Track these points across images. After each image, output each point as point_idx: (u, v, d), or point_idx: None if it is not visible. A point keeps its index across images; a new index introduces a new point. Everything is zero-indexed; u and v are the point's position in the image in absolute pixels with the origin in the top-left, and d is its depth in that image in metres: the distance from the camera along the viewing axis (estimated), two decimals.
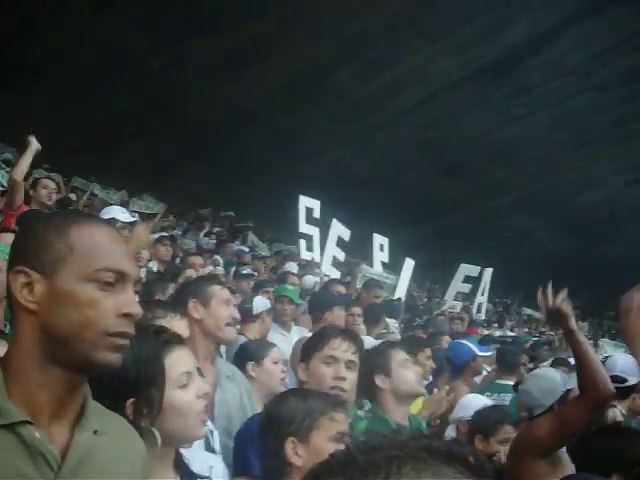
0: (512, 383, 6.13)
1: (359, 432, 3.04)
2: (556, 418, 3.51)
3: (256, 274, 9.25)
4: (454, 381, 6.24)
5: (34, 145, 6.07)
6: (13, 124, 12.71)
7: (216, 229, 16.36)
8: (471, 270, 14.27)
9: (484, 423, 4.35)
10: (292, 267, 11.55)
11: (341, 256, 11.16)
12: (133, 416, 1.96)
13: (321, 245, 11.10)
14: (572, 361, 8.64)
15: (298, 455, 2.54)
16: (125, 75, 16.10)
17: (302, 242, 11.02)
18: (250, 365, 4.10)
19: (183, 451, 2.38)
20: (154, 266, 7.14)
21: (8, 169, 9.77)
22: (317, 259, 10.85)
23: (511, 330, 15.40)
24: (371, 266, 12.18)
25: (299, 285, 8.54)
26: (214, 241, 13.59)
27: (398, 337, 7.44)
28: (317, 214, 11.05)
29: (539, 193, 23.31)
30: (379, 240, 12.61)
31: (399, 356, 3.91)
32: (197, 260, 7.66)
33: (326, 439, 2.55)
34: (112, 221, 6.12)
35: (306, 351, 3.39)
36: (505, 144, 20.93)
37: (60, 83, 15.81)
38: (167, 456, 2.25)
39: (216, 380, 3.61)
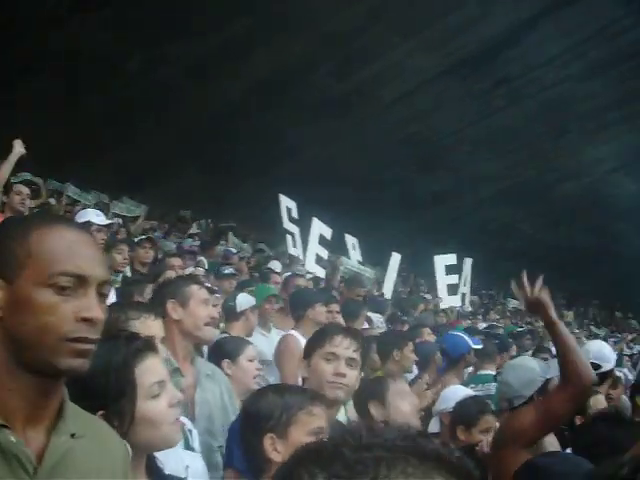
0: (494, 373, 6.17)
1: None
2: (539, 408, 3.50)
3: (238, 274, 9.21)
4: (446, 373, 6.25)
5: (17, 149, 5.96)
6: None
7: (198, 230, 16.33)
8: (447, 259, 14.18)
9: (465, 414, 4.36)
10: (275, 266, 11.53)
11: (324, 254, 11.14)
12: None
13: (303, 244, 11.09)
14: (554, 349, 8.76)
15: (277, 451, 2.53)
16: (103, 78, 16.04)
17: (289, 238, 11.01)
18: (226, 362, 4.09)
19: (157, 453, 2.36)
20: (128, 271, 7.09)
21: None
22: (301, 257, 10.84)
23: (497, 322, 15.44)
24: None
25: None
26: (197, 243, 13.53)
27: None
28: (295, 214, 11.03)
29: (521, 184, 23.41)
30: (351, 240, 12.62)
31: (396, 386, 3.92)
32: (176, 262, 7.61)
33: (305, 434, 2.54)
34: (87, 224, 6.09)
35: (308, 348, 3.41)
36: (486, 136, 21.02)
37: (40, 88, 15.73)
38: (139, 462, 2.22)
39: (196, 380, 3.60)
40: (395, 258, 13.09)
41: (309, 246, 10.67)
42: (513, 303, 21.84)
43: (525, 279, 3.65)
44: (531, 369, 3.98)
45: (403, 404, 3.88)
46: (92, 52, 15.32)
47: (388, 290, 12.55)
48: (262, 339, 5.87)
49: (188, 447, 3.06)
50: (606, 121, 21.51)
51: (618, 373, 5.87)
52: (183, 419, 3.08)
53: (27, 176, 13.52)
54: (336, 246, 12.52)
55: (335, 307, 6.61)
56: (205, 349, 4.73)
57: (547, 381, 3.89)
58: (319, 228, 10.79)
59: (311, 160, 20.20)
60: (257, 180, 19.45)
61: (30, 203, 7.26)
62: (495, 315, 16.40)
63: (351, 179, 21.15)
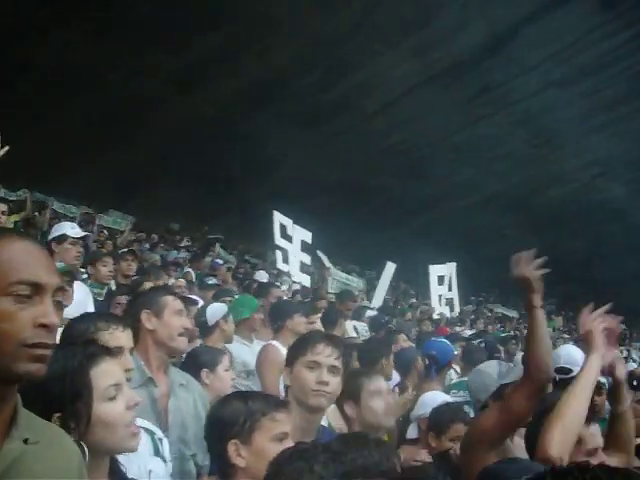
0: None
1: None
2: (500, 408, 3.50)
3: (221, 284, 9.24)
4: (433, 380, 6.24)
5: None
6: None
7: (189, 243, 16.34)
8: (441, 270, 14.31)
9: (437, 420, 4.37)
10: (262, 276, 11.54)
11: (307, 260, 11.18)
12: None
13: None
14: None
15: (241, 456, 2.56)
16: (84, 91, 16.05)
17: (278, 253, 11.01)
18: (204, 372, 4.10)
19: (119, 457, 2.38)
20: (113, 284, 7.09)
21: None
22: (292, 272, 10.84)
23: (484, 328, 15.46)
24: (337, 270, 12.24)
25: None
26: (183, 255, 13.54)
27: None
28: (290, 231, 11.05)
29: (506, 191, 23.50)
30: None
31: (371, 386, 3.92)
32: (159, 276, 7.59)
33: (268, 439, 2.57)
34: (62, 237, 6.06)
35: (290, 356, 3.39)
36: (470, 144, 21.09)
37: (24, 101, 15.73)
38: (100, 465, 2.23)
39: (169, 389, 3.61)
40: (389, 267, 13.11)
41: (294, 254, 10.70)
42: (500, 309, 21.94)
43: (527, 255, 3.45)
44: (488, 374, 4.00)
45: (377, 403, 3.89)
46: (76, 65, 15.33)
47: (379, 299, 12.59)
48: (245, 349, 5.82)
49: (158, 456, 3.07)
50: (590, 127, 21.61)
51: (602, 379, 5.85)
52: (153, 428, 3.11)
53: (20, 193, 13.55)
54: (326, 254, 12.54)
55: (315, 318, 6.62)
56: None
57: (503, 386, 3.91)
58: (300, 234, 10.82)
59: (295, 169, 20.24)
60: (242, 191, 19.48)
61: (9, 219, 7.18)
62: (482, 322, 16.40)
63: (336, 188, 21.20)
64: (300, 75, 17.59)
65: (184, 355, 4.38)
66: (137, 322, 3.60)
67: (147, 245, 14.58)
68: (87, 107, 16.54)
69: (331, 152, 20.21)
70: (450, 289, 14.60)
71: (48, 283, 1.59)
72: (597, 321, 3.29)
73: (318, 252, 12.43)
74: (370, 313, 10.32)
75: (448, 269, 14.61)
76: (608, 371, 3.46)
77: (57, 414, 1.98)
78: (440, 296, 14.13)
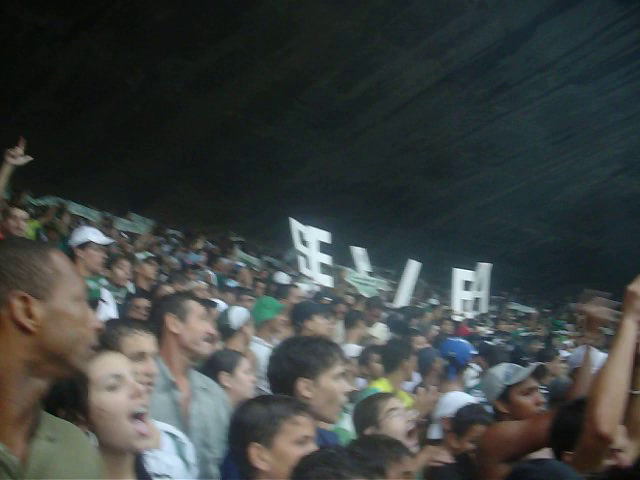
0: None
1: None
2: (525, 427, 3.46)
3: (242, 286, 9.29)
4: (452, 380, 6.23)
5: (10, 161, 5.86)
6: None
7: (204, 245, 16.38)
8: (466, 275, 14.21)
9: (458, 422, 4.37)
10: (282, 277, 11.55)
11: (326, 259, 11.18)
12: None
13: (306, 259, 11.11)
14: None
15: (263, 460, 2.58)
16: (104, 97, 16.16)
17: (301, 259, 11.02)
18: (224, 375, 4.12)
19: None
20: (131, 288, 7.16)
21: None
22: (315, 278, 10.83)
23: (505, 327, 15.39)
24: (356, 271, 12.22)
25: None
26: (201, 258, 13.59)
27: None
28: (307, 238, 11.06)
29: (526, 189, 23.39)
30: (357, 251, 12.60)
31: (387, 405, 3.89)
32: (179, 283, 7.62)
33: (290, 443, 2.59)
34: (86, 243, 6.11)
35: (312, 368, 3.25)
36: (488, 142, 21.02)
37: (42, 106, 15.86)
38: (120, 462, 2.31)
39: (191, 393, 3.63)
40: (413, 266, 13.04)
41: (311, 257, 10.70)
42: (520, 307, 21.84)
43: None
44: (495, 376, 4.01)
45: (396, 422, 3.86)
46: (93, 70, 15.44)
47: (403, 299, 12.55)
48: (266, 351, 5.80)
49: (182, 460, 3.09)
50: (609, 123, 21.46)
51: None
52: (177, 432, 3.13)
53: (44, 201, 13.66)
54: (343, 257, 12.57)
55: (333, 321, 6.65)
56: None
57: (508, 388, 3.90)
58: (316, 235, 10.82)
59: (314, 171, 20.26)
60: (262, 193, 19.52)
61: (32, 224, 7.25)
62: (502, 321, 16.33)
63: (355, 189, 21.20)
64: (317, 77, 17.59)
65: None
66: (161, 326, 3.66)
67: (166, 248, 14.66)
68: (107, 112, 16.66)
69: (349, 153, 20.22)
70: (480, 289, 14.53)
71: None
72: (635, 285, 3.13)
73: (352, 248, 12.40)
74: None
75: (482, 270, 14.52)
76: None
77: (62, 408, 2.02)
78: (465, 301, 14.04)
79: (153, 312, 3.99)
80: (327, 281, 11.12)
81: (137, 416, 2.34)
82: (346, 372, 3.38)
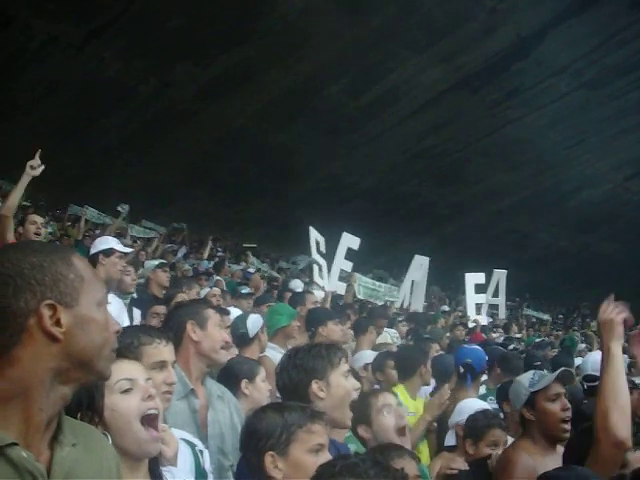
0: None
1: None
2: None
3: (255, 293, 9.30)
4: (469, 388, 6.20)
5: (28, 171, 5.91)
6: (10, 159, 12.87)
7: (219, 252, 16.45)
8: (477, 278, 14.14)
9: (473, 427, 4.36)
10: (297, 285, 11.52)
11: (348, 267, 11.16)
12: None
13: (328, 267, 11.10)
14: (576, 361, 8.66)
15: (278, 468, 2.57)
16: (117, 104, 16.24)
17: (316, 268, 11.00)
18: (244, 382, 4.12)
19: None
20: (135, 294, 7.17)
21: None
22: (327, 287, 10.80)
23: (518, 333, 15.34)
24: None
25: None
26: (211, 265, 13.64)
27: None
28: (323, 248, 11.03)
29: (539, 194, 23.34)
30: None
31: (378, 402, 3.90)
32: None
33: (305, 451, 2.58)
34: (109, 251, 6.16)
35: (321, 369, 3.30)
36: (501, 147, 20.98)
37: (54, 117, 15.95)
38: (140, 463, 2.36)
39: (207, 400, 3.64)
40: (418, 261, 12.96)
41: (335, 261, 10.68)
42: (533, 313, 21.75)
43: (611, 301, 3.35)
44: (521, 383, 4.00)
45: (388, 419, 3.88)
46: (106, 78, 15.52)
47: (419, 302, 12.51)
48: (279, 357, 5.82)
49: (199, 468, 3.10)
50: (622, 128, 21.41)
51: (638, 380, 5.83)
52: (194, 440, 3.14)
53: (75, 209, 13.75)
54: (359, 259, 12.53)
55: (346, 326, 6.66)
56: None
57: (535, 394, 3.89)
58: (347, 241, 10.79)
59: (326, 177, 20.28)
60: (273, 199, 19.55)
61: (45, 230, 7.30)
62: (515, 327, 16.27)
63: (367, 195, 21.21)
64: (329, 84, 17.62)
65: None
66: (180, 333, 3.68)
67: (180, 254, 14.72)
68: (120, 120, 16.74)
69: (361, 159, 20.23)
70: (497, 295, 14.47)
71: None
72: (617, 311, 3.27)
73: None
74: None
75: (498, 276, 14.46)
76: None
77: (78, 411, 2.04)
78: (480, 305, 13.98)
79: (169, 319, 4.00)
80: (342, 288, 11.10)
81: (149, 419, 2.36)
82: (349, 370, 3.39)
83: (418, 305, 12.66)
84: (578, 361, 8.86)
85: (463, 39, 16.99)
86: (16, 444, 1.47)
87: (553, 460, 3.47)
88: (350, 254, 11.05)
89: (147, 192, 17.80)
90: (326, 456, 2.59)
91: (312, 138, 18.95)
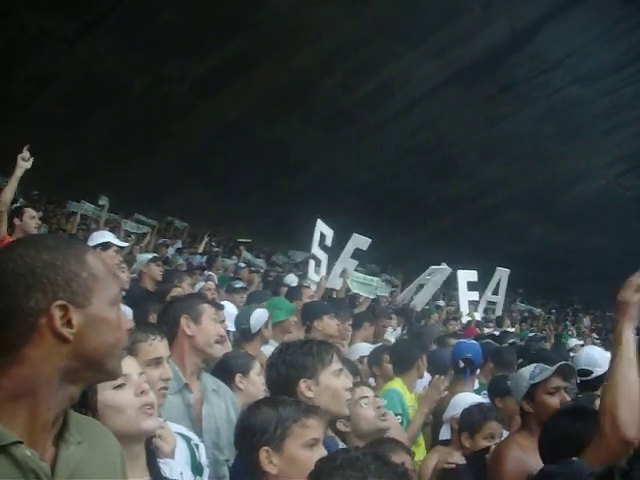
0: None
1: None
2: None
3: (248, 287, 9.28)
4: (467, 382, 6.21)
5: (20, 164, 5.89)
6: (3, 154, 12.82)
7: (214, 247, 16.43)
8: (469, 275, 14.13)
9: (469, 420, 4.37)
10: (292, 279, 11.50)
11: (352, 265, 11.16)
12: None
13: (329, 260, 11.08)
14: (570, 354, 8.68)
15: (273, 464, 2.56)
16: (110, 99, 16.19)
17: (311, 263, 10.97)
18: (238, 377, 4.11)
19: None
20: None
21: None
22: (323, 283, 10.77)
23: (511, 327, 15.37)
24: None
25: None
26: (204, 259, 13.62)
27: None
28: (329, 242, 10.99)
29: (532, 189, 23.38)
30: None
31: (356, 394, 3.84)
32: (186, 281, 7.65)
33: (299, 446, 2.58)
34: (107, 244, 6.17)
35: (310, 367, 3.24)
36: (495, 142, 21.01)
37: (48, 111, 15.89)
38: (138, 456, 2.36)
39: (202, 395, 3.64)
40: (443, 271, 12.95)
41: (340, 259, 10.66)
42: (526, 307, 21.80)
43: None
44: (522, 375, 4.00)
45: (366, 411, 3.90)
46: (99, 72, 15.48)
47: (421, 304, 12.52)
48: None
49: (195, 462, 3.10)
50: (616, 123, 21.45)
51: None
52: (190, 434, 3.14)
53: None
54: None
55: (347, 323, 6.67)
56: None
57: (533, 387, 3.89)
58: (357, 242, 10.76)
59: (320, 172, 20.26)
60: (267, 193, 19.53)
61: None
62: (508, 321, 16.30)
63: (361, 189, 21.20)
64: (323, 78, 17.62)
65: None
66: (175, 327, 3.66)
67: (173, 249, 14.70)
68: (113, 114, 16.68)
69: (355, 154, 20.23)
70: (496, 293, 14.49)
71: None
72: (637, 294, 2.98)
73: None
74: None
75: (500, 274, 14.48)
76: None
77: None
78: (472, 302, 13.98)
79: (164, 313, 4.00)
80: (338, 285, 11.10)
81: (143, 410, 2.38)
82: (344, 369, 3.36)
83: (419, 305, 12.65)
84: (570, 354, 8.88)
85: (457, 33, 17.01)
86: (20, 442, 1.46)
87: None
88: (360, 252, 11.04)
89: (141, 186, 17.75)
90: (321, 451, 2.58)
91: (306, 132, 18.94)
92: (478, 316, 13.57)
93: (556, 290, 27.67)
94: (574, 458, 2.96)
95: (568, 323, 22.09)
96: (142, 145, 17.56)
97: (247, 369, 4.18)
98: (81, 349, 1.52)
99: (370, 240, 10.93)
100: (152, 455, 2.50)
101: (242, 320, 5.46)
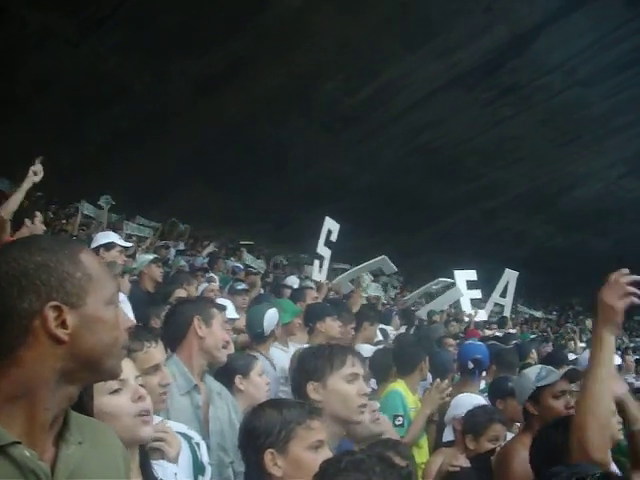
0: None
1: None
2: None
3: (250, 289, 9.29)
4: (475, 383, 6.22)
5: (30, 177, 5.91)
6: (5, 154, 12.83)
7: (215, 249, 16.44)
8: (468, 275, 14.15)
9: (473, 422, 4.38)
10: (293, 281, 11.52)
11: (367, 279, 11.27)
12: None
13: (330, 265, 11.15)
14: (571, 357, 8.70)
15: (277, 466, 2.57)
16: (111, 99, 16.19)
17: (316, 263, 11.01)
18: (238, 378, 4.12)
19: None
20: None
21: None
22: (324, 280, 10.80)
23: (512, 329, 15.37)
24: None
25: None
26: (206, 261, 13.63)
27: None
28: (334, 237, 11.03)
29: (532, 192, 23.40)
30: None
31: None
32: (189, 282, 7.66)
33: (304, 448, 2.59)
34: (110, 245, 6.19)
35: (320, 370, 3.24)
36: (495, 145, 21.02)
37: (49, 111, 15.88)
38: (131, 459, 2.31)
39: (207, 397, 3.65)
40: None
41: (358, 269, 10.77)
42: (526, 310, 21.80)
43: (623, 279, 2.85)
44: (527, 377, 4.01)
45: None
46: (101, 72, 15.48)
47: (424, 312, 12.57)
48: (282, 355, 5.72)
49: (197, 461, 3.10)
50: (615, 126, 21.46)
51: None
52: (190, 432, 3.14)
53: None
54: (351, 257, 12.56)
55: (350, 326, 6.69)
56: None
57: (539, 389, 3.89)
58: (383, 264, 10.89)
59: (321, 174, 20.26)
60: (269, 196, 19.52)
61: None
62: (510, 323, 16.32)
63: (362, 192, 21.19)
64: (324, 80, 17.61)
65: None
66: (185, 327, 3.70)
67: (174, 251, 14.70)
68: (114, 115, 16.67)
69: (356, 156, 20.22)
70: (504, 295, 14.51)
71: None
72: (623, 299, 2.80)
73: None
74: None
75: (508, 276, 14.52)
76: None
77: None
78: (475, 300, 13.99)
79: (172, 313, 4.00)
80: (347, 289, 11.17)
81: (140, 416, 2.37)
82: (361, 374, 3.31)
83: (424, 314, 12.69)
84: (571, 356, 8.91)
85: (458, 36, 17.01)
86: (19, 443, 1.46)
87: None
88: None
89: (142, 188, 17.74)
90: (326, 452, 2.60)
91: (308, 134, 18.94)
92: (484, 315, 13.56)
93: (556, 293, 27.66)
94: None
95: (569, 325, 22.06)
96: (143, 146, 17.55)
97: (247, 370, 4.20)
98: (77, 350, 1.52)
99: (396, 269, 10.99)
100: (145, 456, 2.50)
101: (256, 325, 5.49)
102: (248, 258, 14.89)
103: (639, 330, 25.74)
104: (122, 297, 5.28)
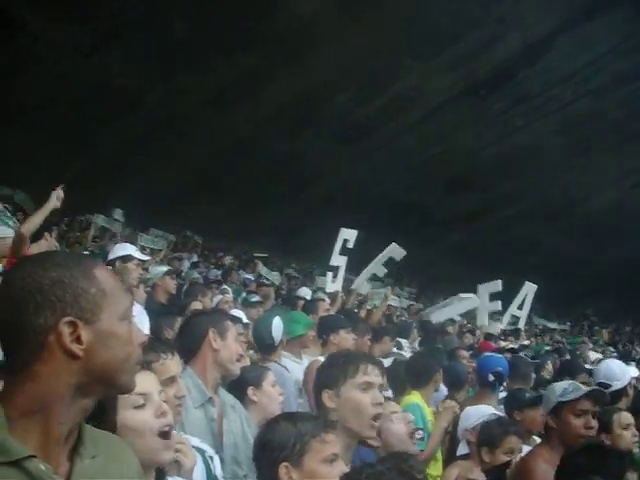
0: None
1: None
2: None
3: (264, 301, 9.30)
4: (494, 395, 6.19)
5: (53, 201, 5.96)
6: (13, 164, 12.91)
7: (232, 261, 16.49)
8: (492, 287, 14.04)
9: (488, 434, 4.33)
10: (305, 292, 11.52)
11: (382, 272, 11.24)
12: None
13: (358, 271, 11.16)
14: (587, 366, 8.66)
15: (292, 479, 2.56)
16: (123, 112, 16.27)
17: (329, 275, 11.03)
18: (250, 390, 4.10)
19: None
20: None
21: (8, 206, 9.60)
22: (339, 288, 10.80)
23: (527, 340, 15.31)
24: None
25: None
26: (219, 272, 13.66)
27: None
28: (351, 244, 11.05)
29: (546, 201, 23.31)
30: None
31: (387, 409, 3.77)
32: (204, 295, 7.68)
33: (319, 461, 2.57)
34: (127, 257, 6.22)
35: (334, 378, 3.20)
36: (508, 155, 20.97)
37: (61, 123, 15.96)
38: (146, 477, 2.29)
39: (221, 410, 3.64)
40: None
41: (372, 265, 10.74)
42: (541, 321, 21.70)
43: None
44: (553, 390, 3.99)
45: (397, 426, 3.93)
46: (112, 85, 15.55)
47: (435, 317, 12.51)
48: (296, 366, 5.70)
49: (210, 475, 3.09)
50: (629, 135, 21.38)
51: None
52: (203, 445, 3.13)
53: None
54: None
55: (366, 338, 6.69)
56: None
57: (563, 404, 3.86)
58: (393, 251, 10.85)
59: (333, 186, 20.28)
60: (281, 208, 19.54)
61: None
62: (524, 335, 16.24)
63: (374, 203, 21.19)
64: (336, 92, 17.64)
65: None
66: (200, 339, 3.69)
67: (187, 263, 14.72)
68: (125, 128, 16.75)
69: (368, 168, 20.23)
70: (521, 308, 14.45)
71: None
72: None
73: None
74: None
75: (527, 289, 14.46)
76: None
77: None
78: (494, 313, 13.92)
79: (187, 325, 4.00)
80: (365, 290, 11.20)
81: (163, 435, 2.34)
82: (377, 383, 3.24)
83: (434, 318, 12.64)
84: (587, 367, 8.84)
85: (470, 47, 17.01)
86: (34, 456, 1.46)
87: None
88: (393, 262, 11.10)
89: (155, 200, 17.80)
90: (340, 466, 2.59)
91: (320, 146, 18.96)
92: (498, 328, 13.47)
93: (571, 303, 27.54)
94: None
95: (584, 337, 21.95)
96: (154, 159, 17.61)
97: (259, 381, 4.19)
98: (92, 365, 1.53)
99: (405, 252, 11.00)
100: (160, 472, 2.48)
101: (266, 337, 5.47)
102: (263, 270, 14.91)
103: None
104: (139, 308, 5.27)
